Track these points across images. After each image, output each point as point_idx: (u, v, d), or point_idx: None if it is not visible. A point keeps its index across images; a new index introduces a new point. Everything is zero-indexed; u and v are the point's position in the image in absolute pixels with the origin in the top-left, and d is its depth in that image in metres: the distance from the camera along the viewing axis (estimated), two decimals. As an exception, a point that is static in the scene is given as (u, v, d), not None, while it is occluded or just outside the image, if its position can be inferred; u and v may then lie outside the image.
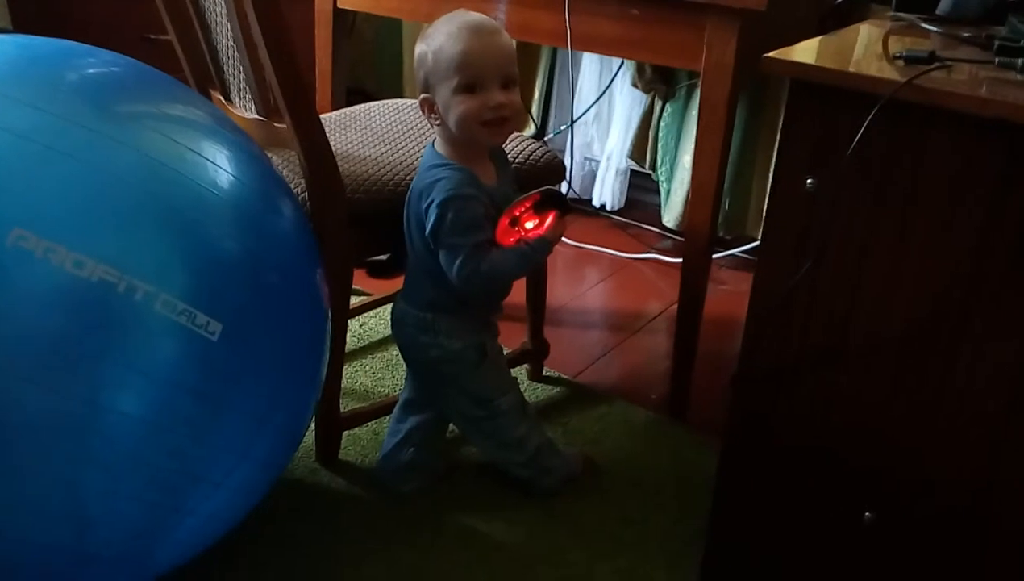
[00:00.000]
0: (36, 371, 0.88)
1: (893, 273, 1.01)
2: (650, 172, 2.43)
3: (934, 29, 1.18)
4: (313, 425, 1.48)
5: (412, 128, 1.59)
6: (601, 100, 2.45)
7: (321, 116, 1.30)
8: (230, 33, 1.28)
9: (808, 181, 1.02)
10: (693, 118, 2.23)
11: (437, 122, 1.26)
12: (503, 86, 1.21)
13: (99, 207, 0.92)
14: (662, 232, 2.44)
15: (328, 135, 1.28)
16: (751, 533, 1.23)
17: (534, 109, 2.51)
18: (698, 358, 1.65)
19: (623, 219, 2.53)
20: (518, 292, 1.46)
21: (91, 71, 1.05)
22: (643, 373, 1.85)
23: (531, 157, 1.52)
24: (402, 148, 1.49)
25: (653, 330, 2.02)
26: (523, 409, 1.41)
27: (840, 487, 1.13)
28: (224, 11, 1.26)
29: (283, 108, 1.23)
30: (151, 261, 0.94)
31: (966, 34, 1.13)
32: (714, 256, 2.04)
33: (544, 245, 1.28)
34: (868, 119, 0.94)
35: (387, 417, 1.52)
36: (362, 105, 1.73)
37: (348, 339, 1.71)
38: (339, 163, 1.32)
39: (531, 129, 2.52)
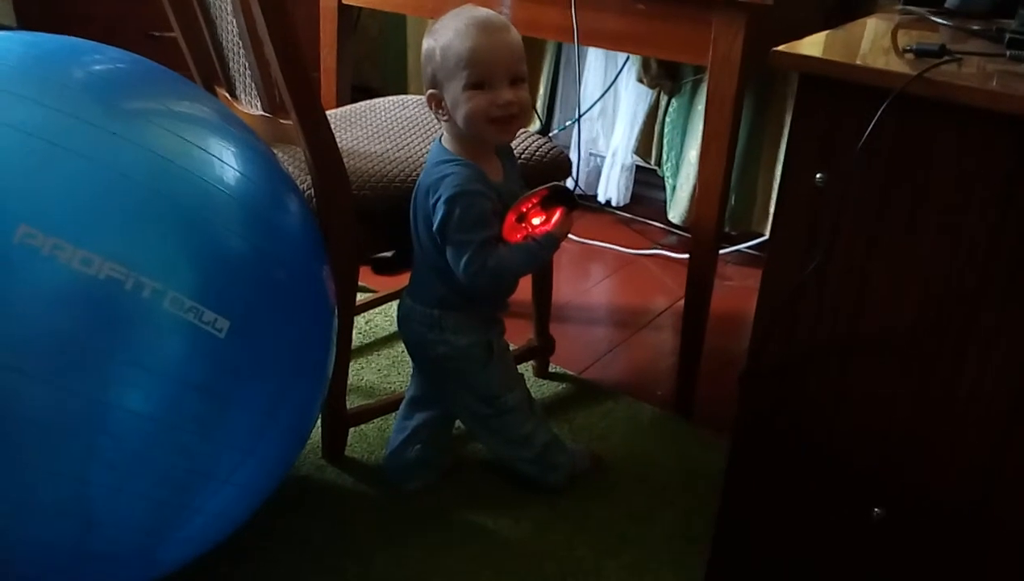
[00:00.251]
0: (43, 369, 0.87)
1: (902, 269, 1.01)
2: (655, 168, 2.42)
3: (943, 22, 1.18)
4: (319, 422, 1.48)
5: (418, 124, 1.59)
6: (606, 96, 2.45)
7: (326, 112, 1.29)
8: (235, 29, 1.28)
9: (817, 176, 1.01)
10: (699, 114, 2.23)
11: (444, 118, 1.25)
12: (511, 83, 1.21)
13: (106, 204, 0.92)
14: (667, 228, 2.44)
15: (334, 131, 1.28)
16: (758, 529, 1.23)
17: (539, 105, 2.50)
18: (704, 354, 1.64)
19: (628, 215, 2.52)
20: (524, 288, 1.46)
21: (97, 68, 1.04)
22: (649, 369, 1.84)
23: (537, 153, 1.52)
24: (408, 144, 1.49)
25: (659, 326, 2.01)
26: (530, 406, 1.41)
27: (849, 483, 1.12)
28: (229, 7, 1.26)
29: (289, 104, 1.22)
30: (158, 258, 0.93)
31: (976, 27, 1.13)
32: (720, 252, 2.03)
33: (551, 241, 1.28)
34: (879, 113, 0.93)
35: (393, 414, 1.52)
36: (367, 101, 1.73)
37: (354, 336, 1.71)
38: (345, 159, 1.31)
39: (536, 125, 2.52)
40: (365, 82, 2.86)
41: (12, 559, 0.95)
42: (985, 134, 0.92)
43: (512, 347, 1.48)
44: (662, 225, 2.45)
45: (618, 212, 2.53)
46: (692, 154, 2.26)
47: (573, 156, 2.46)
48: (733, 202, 2.24)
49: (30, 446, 0.89)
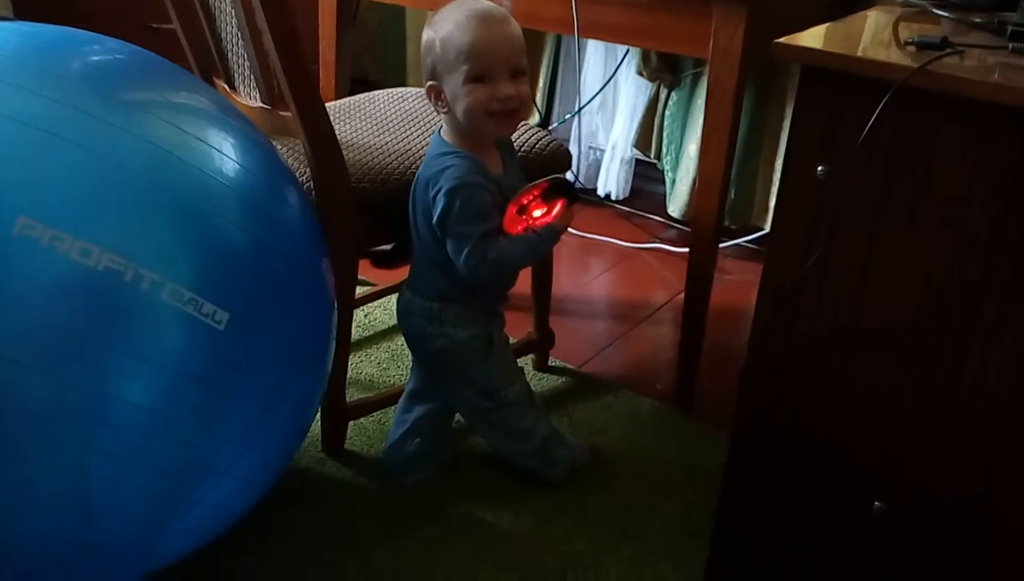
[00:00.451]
0: (42, 360, 0.87)
1: (904, 262, 1.00)
2: (655, 161, 2.42)
3: (945, 15, 1.17)
4: (319, 415, 1.47)
5: (417, 116, 1.58)
6: (606, 89, 2.44)
7: (326, 105, 1.29)
8: (234, 21, 1.28)
9: (818, 169, 1.01)
10: (698, 107, 2.22)
11: (444, 110, 1.25)
12: (512, 77, 1.21)
13: (105, 195, 0.92)
14: (667, 221, 2.44)
15: (333, 124, 1.28)
16: (758, 523, 1.23)
17: (538, 98, 2.50)
18: (704, 348, 1.64)
19: (628, 208, 2.52)
20: (523, 282, 1.46)
21: (95, 59, 1.04)
22: (648, 363, 1.84)
23: (536, 146, 1.51)
24: (407, 137, 1.48)
25: (658, 320, 2.01)
26: (530, 399, 1.41)
27: (849, 477, 1.12)
28: (228, -2, 1.26)
29: (288, 96, 1.22)
30: (157, 249, 0.93)
31: (977, 20, 1.12)
32: (720, 246, 2.03)
33: (552, 234, 1.27)
34: (880, 106, 0.93)
35: (393, 407, 1.52)
36: (366, 93, 1.72)
37: (353, 329, 1.71)
38: (344, 152, 1.31)
39: (535, 118, 2.51)
40: (364, 74, 2.85)
41: (11, 551, 0.95)
42: (987, 127, 0.91)
43: (512, 340, 1.48)
44: (662, 219, 2.45)
45: (618, 206, 2.53)
46: (692, 148, 2.25)
47: (573, 149, 2.47)
48: (733, 196, 2.24)
49: (29, 438, 0.89)
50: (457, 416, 1.50)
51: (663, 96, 2.32)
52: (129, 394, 0.91)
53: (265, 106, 1.32)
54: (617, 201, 2.53)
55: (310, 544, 1.32)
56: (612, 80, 2.41)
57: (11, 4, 2.15)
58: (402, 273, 1.44)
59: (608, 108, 2.50)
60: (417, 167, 1.33)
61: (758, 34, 1.40)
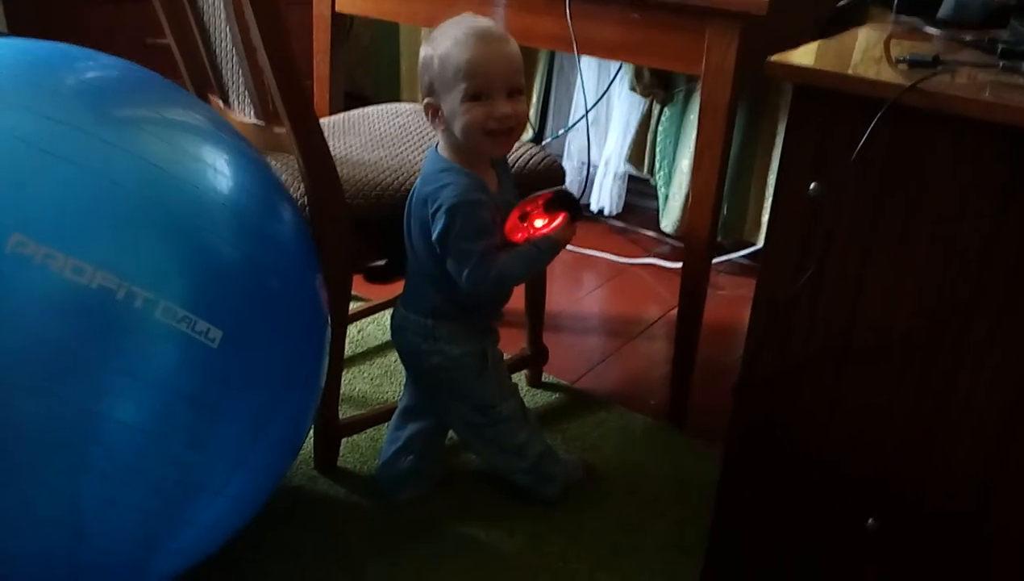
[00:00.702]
0: (35, 378, 0.87)
1: (896, 279, 1.01)
2: (648, 177, 2.42)
3: (936, 33, 1.18)
4: (312, 432, 1.47)
5: (411, 132, 1.58)
6: (599, 105, 2.45)
7: (320, 121, 1.29)
8: (229, 37, 1.28)
9: (811, 186, 1.02)
10: (691, 123, 2.23)
11: (441, 127, 1.25)
12: (509, 95, 1.21)
13: (98, 212, 0.91)
14: (660, 237, 2.44)
15: (327, 140, 1.27)
16: (751, 540, 1.22)
17: (532, 113, 2.50)
18: (697, 364, 1.64)
19: (621, 224, 2.53)
20: (517, 298, 1.45)
21: (89, 75, 1.04)
22: (642, 379, 1.84)
23: (530, 162, 1.52)
24: (401, 153, 1.49)
25: (651, 336, 2.01)
26: (524, 416, 1.41)
27: (843, 494, 1.12)
28: (223, 15, 1.26)
29: (282, 112, 1.22)
30: (150, 267, 0.93)
31: (968, 38, 1.13)
32: (712, 261, 2.03)
33: (551, 246, 1.27)
34: (873, 123, 0.93)
35: (386, 424, 1.51)
36: (360, 109, 1.72)
37: (346, 346, 1.70)
38: (338, 168, 1.31)
39: (529, 134, 2.52)
40: (358, 89, 2.85)
41: (3, 571, 0.94)
42: (979, 144, 0.92)
43: (505, 356, 1.47)
44: (655, 234, 2.46)
45: (611, 221, 2.54)
46: (685, 163, 2.26)
47: (567, 165, 2.48)
48: (726, 211, 2.25)
49: (21, 457, 0.88)
50: (450, 433, 1.49)
51: (656, 112, 2.33)
52: (122, 413, 0.91)
53: (259, 122, 1.32)
54: (610, 216, 2.54)
55: (302, 562, 1.31)
56: (605, 96, 2.42)
57: (5, 20, 2.15)
58: (395, 289, 1.43)
59: (601, 124, 2.50)
60: (411, 183, 1.33)
61: (751, 51, 1.41)
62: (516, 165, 1.48)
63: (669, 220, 2.34)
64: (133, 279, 0.90)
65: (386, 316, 1.85)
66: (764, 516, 1.20)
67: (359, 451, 1.54)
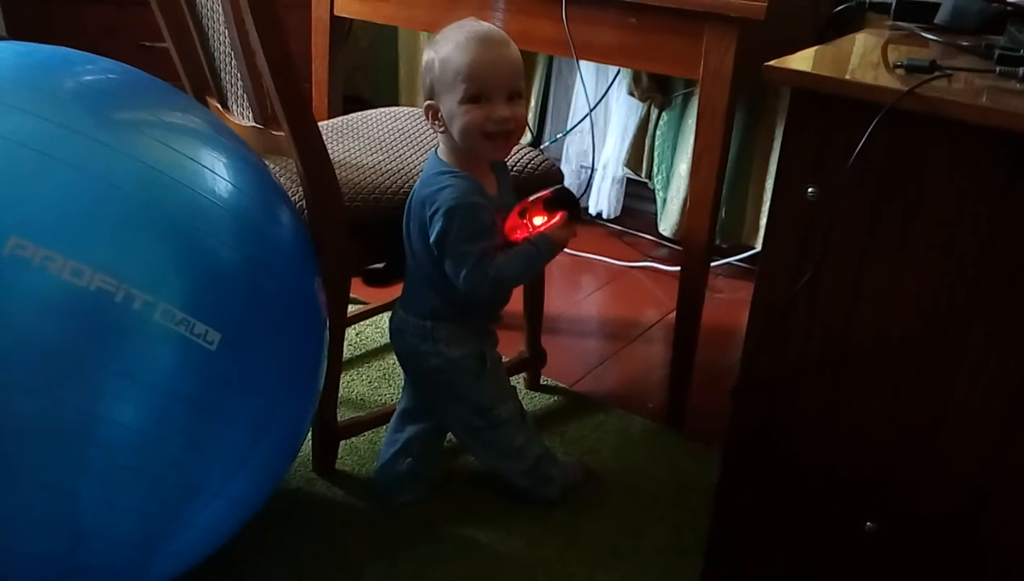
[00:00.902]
0: (33, 380, 0.87)
1: (894, 282, 1.01)
2: (646, 181, 2.43)
3: (933, 38, 1.19)
4: (310, 435, 1.47)
5: (410, 136, 1.59)
6: (597, 109, 2.45)
7: (318, 124, 1.29)
8: (227, 40, 1.28)
9: (809, 190, 1.02)
10: (689, 127, 2.24)
11: (441, 129, 1.25)
12: (509, 99, 1.21)
13: (97, 215, 0.92)
14: (658, 240, 2.44)
15: (325, 143, 1.28)
16: (750, 543, 1.23)
17: (530, 117, 2.51)
18: (695, 367, 1.65)
19: (619, 227, 2.53)
20: (515, 300, 1.46)
21: (88, 78, 1.04)
22: (640, 382, 1.84)
23: (528, 165, 1.52)
24: (400, 156, 1.49)
25: (650, 339, 2.01)
26: (522, 418, 1.41)
27: (840, 497, 1.12)
28: (221, 18, 1.26)
29: (281, 116, 1.22)
30: (149, 270, 0.93)
31: (965, 43, 1.14)
32: (711, 265, 2.04)
33: (549, 245, 1.27)
34: (870, 128, 0.94)
35: (384, 427, 1.51)
36: (359, 113, 1.73)
37: (345, 348, 1.71)
38: (337, 171, 1.31)
39: (527, 137, 2.52)
40: (356, 93, 2.86)
41: (2, 572, 0.94)
42: (976, 149, 0.92)
43: (503, 359, 1.48)
44: (653, 238, 2.46)
45: (609, 224, 2.54)
46: (683, 167, 2.27)
47: (565, 168, 2.48)
48: (724, 215, 2.25)
49: (20, 458, 0.88)
50: (449, 435, 1.49)
51: (654, 116, 2.33)
52: (120, 415, 0.91)
53: (258, 125, 1.32)
54: (608, 220, 2.54)
55: (301, 564, 1.31)
56: (603, 100, 2.43)
57: (3, 23, 2.15)
58: (393, 292, 1.44)
59: (599, 128, 2.51)
60: (410, 186, 1.33)
61: (748, 55, 1.41)
62: (515, 168, 1.49)
63: (667, 224, 2.35)
64: (132, 281, 0.91)
65: (384, 319, 1.86)
66: (763, 519, 1.20)
67: (357, 453, 1.55)
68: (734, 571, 1.26)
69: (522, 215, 1.27)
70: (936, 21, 1.24)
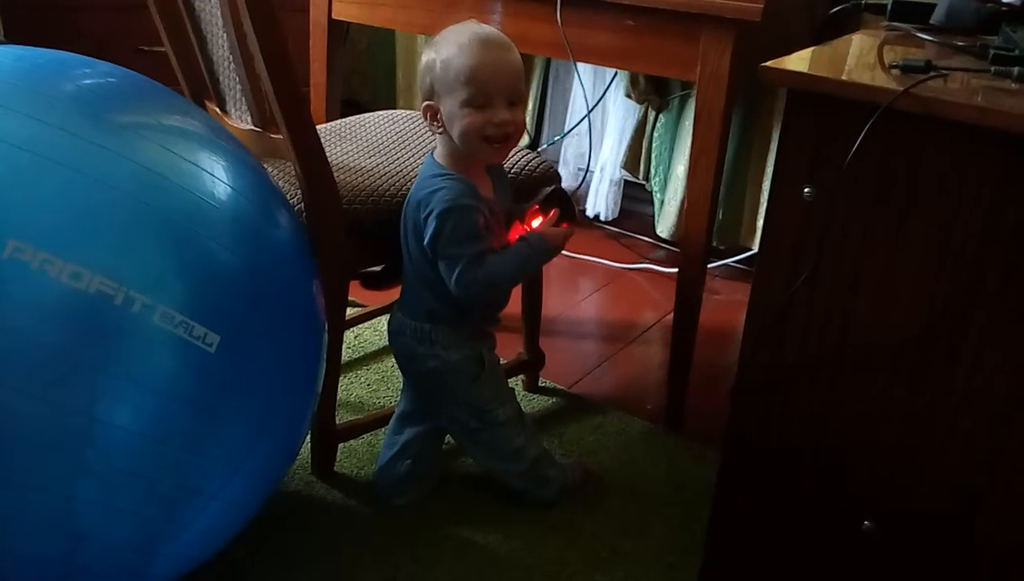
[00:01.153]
0: (32, 383, 0.87)
1: (890, 282, 1.01)
2: (644, 183, 2.43)
3: (928, 39, 1.19)
4: (308, 438, 1.47)
5: (408, 139, 1.59)
6: (594, 111, 2.46)
7: (316, 127, 1.30)
8: (226, 44, 1.28)
9: (805, 190, 1.02)
10: (686, 129, 2.24)
11: (439, 130, 1.25)
12: (509, 103, 1.22)
13: (96, 218, 0.92)
14: (656, 242, 2.45)
15: (324, 146, 1.28)
16: (749, 543, 1.23)
17: (528, 120, 2.51)
18: (693, 368, 1.65)
19: (617, 229, 2.53)
20: (513, 303, 1.46)
21: (87, 82, 1.04)
22: (638, 383, 1.84)
23: (526, 167, 1.52)
24: (398, 159, 1.49)
25: (648, 340, 2.02)
26: (520, 420, 1.41)
27: (838, 496, 1.13)
28: (220, 22, 1.26)
29: (279, 119, 1.22)
30: (148, 272, 0.93)
31: (960, 44, 1.14)
32: (708, 266, 2.04)
33: (543, 242, 1.28)
34: (866, 128, 0.94)
35: (383, 429, 1.51)
36: (357, 116, 1.73)
37: (343, 351, 1.71)
38: (335, 174, 1.31)
39: (525, 140, 2.53)
40: (354, 96, 2.86)
41: (0, 575, 0.94)
42: (971, 149, 0.93)
43: (502, 361, 1.48)
44: (650, 239, 2.46)
45: (607, 226, 2.54)
46: (680, 169, 2.27)
47: (563, 170, 2.48)
48: (721, 216, 2.25)
49: (18, 461, 0.88)
50: (447, 437, 1.49)
51: (651, 118, 2.34)
52: (119, 417, 0.91)
53: (256, 129, 1.33)
54: (606, 222, 2.54)
55: (299, 567, 1.31)
56: (601, 102, 2.43)
57: (1, 28, 2.15)
58: (391, 295, 1.44)
59: (597, 130, 2.51)
60: (408, 189, 1.34)
61: (745, 57, 1.41)
62: (512, 171, 1.49)
63: (665, 225, 2.35)
64: (131, 284, 0.91)
65: (382, 322, 1.86)
66: (760, 518, 1.20)
67: (356, 456, 1.55)
68: (732, 571, 1.26)
69: (521, 221, 1.29)
70: (931, 22, 1.25)
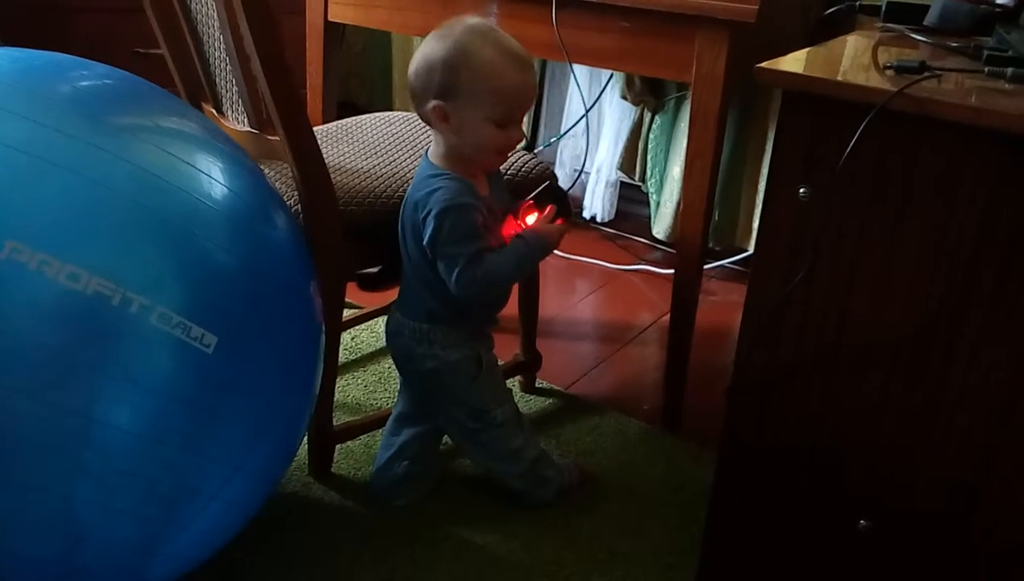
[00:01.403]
0: (30, 384, 0.87)
1: (886, 281, 1.02)
2: (640, 184, 2.43)
3: (923, 39, 1.20)
4: (306, 439, 1.47)
5: (404, 140, 1.59)
6: (590, 112, 2.46)
7: (313, 129, 1.30)
8: (222, 46, 1.28)
9: (801, 191, 1.03)
10: (682, 130, 2.25)
11: (446, 130, 1.23)
12: (522, 120, 1.25)
13: (93, 219, 0.92)
14: (652, 243, 2.45)
15: (320, 148, 1.28)
16: (746, 543, 1.23)
17: (525, 121, 2.51)
18: (689, 368, 1.65)
19: (613, 231, 2.54)
20: (510, 304, 1.46)
21: (84, 83, 1.04)
22: (635, 384, 1.85)
23: (523, 169, 1.53)
24: (394, 160, 1.49)
25: (644, 341, 2.02)
26: (519, 420, 1.41)
27: (834, 496, 1.13)
28: (216, 24, 1.26)
29: (276, 120, 1.22)
30: (146, 273, 0.93)
31: (954, 44, 1.15)
32: (704, 267, 2.05)
33: (538, 239, 1.28)
34: (861, 128, 0.94)
35: (380, 430, 1.51)
36: (354, 118, 1.73)
37: (340, 352, 1.71)
38: (332, 175, 1.31)
39: (521, 141, 2.53)
40: (351, 98, 2.86)
41: (-2, 576, 0.94)
42: (966, 149, 0.93)
43: (499, 362, 1.48)
44: (647, 241, 2.47)
45: (603, 228, 2.55)
46: (676, 170, 2.28)
47: (559, 172, 2.49)
48: (717, 217, 2.26)
49: (16, 461, 0.88)
50: (445, 438, 1.50)
51: (647, 120, 2.35)
52: (117, 418, 0.91)
53: (253, 130, 1.33)
54: (602, 223, 2.55)
55: (297, 567, 1.31)
56: (596, 104, 2.44)
57: (-3, 30, 2.15)
58: (388, 296, 1.44)
59: (593, 131, 2.52)
60: (405, 190, 1.34)
61: (741, 58, 1.42)
62: (509, 172, 1.49)
63: (661, 227, 2.35)
64: (128, 285, 0.91)
65: (379, 323, 1.86)
66: (758, 518, 1.21)
67: (353, 457, 1.55)
68: (730, 570, 1.26)
69: (516, 216, 1.29)
70: (925, 23, 1.26)
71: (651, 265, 2.35)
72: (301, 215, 1.31)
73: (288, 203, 1.33)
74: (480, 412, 1.36)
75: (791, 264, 1.06)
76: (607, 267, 2.34)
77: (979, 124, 0.89)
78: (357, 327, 1.92)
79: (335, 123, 1.71)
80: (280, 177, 1.40)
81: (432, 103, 1.22)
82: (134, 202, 0.95)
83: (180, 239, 0.98)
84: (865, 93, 0.95)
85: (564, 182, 2.48)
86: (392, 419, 1.47)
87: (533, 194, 1.29)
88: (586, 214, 2.55)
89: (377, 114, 1.75)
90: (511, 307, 1.56)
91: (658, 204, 2.37)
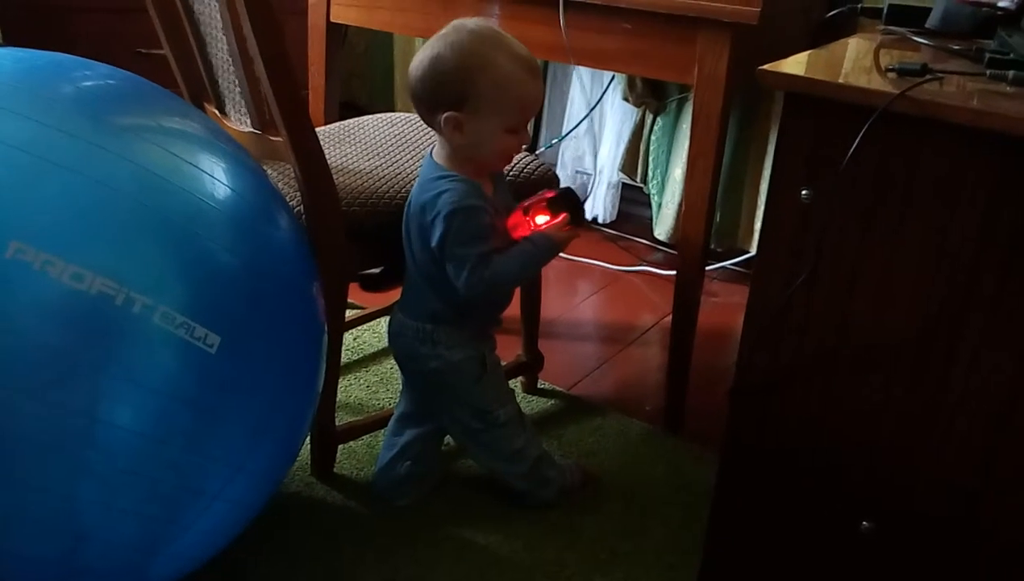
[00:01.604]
0: (34, 383, 0.87)
1: (888, 284, 1.02)
2: (641, 185, 2.44)
3: (924, 42, 1.20)
4: (308, 439, 1.47)
5: (407, 141, 1.59)
6: (592, 114, 2.46)
7: (315, 129, 1.30)
8: (225, 47, 1.29)
9: (803, 193, 1.03)
10: (684, 132, 2.25)
11: (460, 141, 1.23)
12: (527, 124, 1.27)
13: (97, 219, 0.92)
14: (654, 245, 2.45)
15: (323, 148, 1.28)
16: (748, 544, 1.23)
17: (526, 123, 2.51)
18: (691, 370, 1.65)
19: (615, 232, 2.54)
20: (512, 305, 1.46)
21: (87, 84, 1.05)
22: (637, 385, 1.85)
23: (525, 170, 1.53)
24: (397, 161, 1.50)
25: (646, 342, 2.02)
26: (521, 421, 1.41)
27: (836, 497, 1.13)
28: (219, 24, 1.27)
29: (279, 121, 1.23)
30: (149, 273, 0.94)
31: (956, 47, 1.15)
32: (706, 269, 2.05)
33: (548, 243, 1.28)
34: (863, 131, 0.94)
35: (382, 430, 1.52)
36: (356, 119, 1.74)
37: (343, 353, 1.71)
38: (334, 176, 1.32)
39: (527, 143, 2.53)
40: (353, 99, 2.87)
41: (1, 575, 0.94)
42: (968, 151, 0.93)
43: (501, 363, 1.48)
44: (648, 242, 2.47)
45: (604, 229, 2.55)
46: (677, 172, 2.28)
47: (560, 173, 2.49)
48: (719, 219, 2.26)
49: (19, 461, 0.89)
50: (447, 438, 1.50)
51: (649, 121, 2.35)
52: (120, 417, 0.91)
53: (256, 131, 1.33)
54: (604, 224, 2.55)
55: (299, 567, 1.31)
56: (598, 105, 2.44)
57: (0, 30, 2.15)
58: (391, 297, 1.44)
59: (594, 133, 2.52)
60: (407, 191, 1.34)
61: (742, 60, 1.42)
62: (512, 173, 1.49)
63: (663, 228, 2.36)
64: (132, 285, 0.91)
65: (382, 324, 1.86)
66: (760, 519, 1.21)
67: (356, 457, 1.55)
68: (732, 571, 1.26)
69: (525, 213, 1.29)
70: (927, 25, 1.26)
71: (653, 266, 2.35)
72: (303, 216, 1.31)
73: (291, 204, 1.33)
74: (483, 412, 1.36)
75: (793, 266, 1.06)
76: (609, 268, 2.34)
77: (981, 127, 0.89)
78: (359, 327, 1.93)
79: (337, 124, 1.71)
80: (283, 178, 1.40)
81: (445, 114, 1.21)
82: (137, 202, 0.95)
83: (183, 239, 0.98)
84: (867, 96, 0.95)
85: (565, 183, 2.49)
86: (394, 419, 1.47)
87: (546, 194, 1.29)
88: (588, 215, 2.55)
89: (379, 115, 1.75)
90: (513, 308, 1.56)
91: (660, 205, 2.37)
